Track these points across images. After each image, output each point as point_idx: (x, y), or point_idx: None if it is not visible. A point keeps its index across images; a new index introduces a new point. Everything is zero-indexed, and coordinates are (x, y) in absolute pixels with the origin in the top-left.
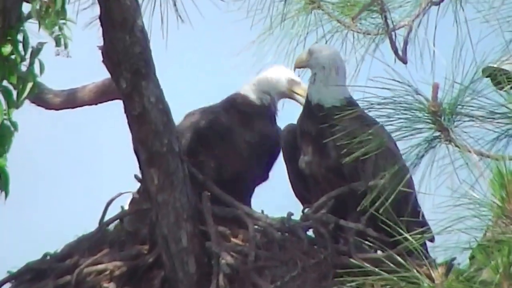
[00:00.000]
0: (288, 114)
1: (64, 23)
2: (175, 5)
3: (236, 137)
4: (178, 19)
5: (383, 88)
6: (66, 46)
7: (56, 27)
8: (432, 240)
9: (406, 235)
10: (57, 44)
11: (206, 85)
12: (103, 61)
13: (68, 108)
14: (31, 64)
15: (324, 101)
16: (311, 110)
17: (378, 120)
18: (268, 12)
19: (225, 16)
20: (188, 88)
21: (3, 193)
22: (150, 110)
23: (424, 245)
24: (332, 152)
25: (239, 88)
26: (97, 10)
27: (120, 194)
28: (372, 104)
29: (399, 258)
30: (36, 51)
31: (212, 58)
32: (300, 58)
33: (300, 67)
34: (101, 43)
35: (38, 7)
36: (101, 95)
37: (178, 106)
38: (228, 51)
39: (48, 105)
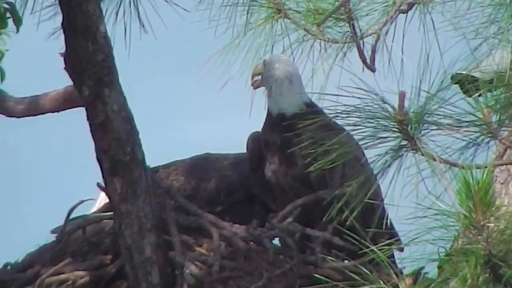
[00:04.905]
0: None
1: None
2: (138, 15)
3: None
4: (141, 29)
5: (349, 97)
6: None
7: None
8: (401, 249)
9: (372, 247)
10: None
11: (169, 94)
12: (65, 68)
13: (30, 115)
14: None
15: (284, 110)
16: (273, 121)
17: (344, 128)
18: (234, 22)
19: (189, 26)
20: (151, 97)
21: None
22: (113, 118)
23: (392, 256)
24: (298, 160)
25: None
26: (59, 20)
27: (82, 201)
28: (338, 113)
29: (365, 270)
30: None
31: (177, 68)
32: (256, 67)
33: (256, 75)
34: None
35: None
36: (63, 103)
37: (141, 114)
38: (193, 61)
39: (9, 113)
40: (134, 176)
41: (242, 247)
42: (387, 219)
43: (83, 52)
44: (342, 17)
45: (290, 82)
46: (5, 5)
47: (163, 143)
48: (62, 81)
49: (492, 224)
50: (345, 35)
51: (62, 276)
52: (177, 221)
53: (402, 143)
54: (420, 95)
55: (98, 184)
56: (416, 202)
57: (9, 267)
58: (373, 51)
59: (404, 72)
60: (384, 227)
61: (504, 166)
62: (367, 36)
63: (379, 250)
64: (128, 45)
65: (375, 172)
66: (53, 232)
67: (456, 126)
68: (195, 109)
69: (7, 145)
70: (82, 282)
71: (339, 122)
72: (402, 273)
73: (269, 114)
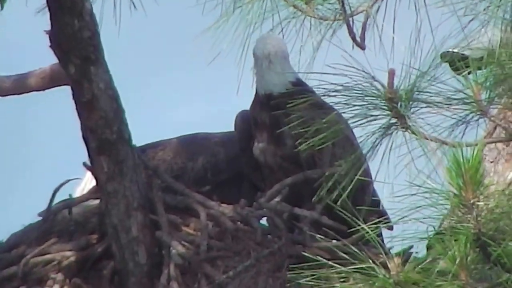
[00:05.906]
0: None
1: None
2: None
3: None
4: (130, 5)
5: (339, 75)
6: None
7: None
8: (391, 228)
9: (363, 225)
10: None
11: (159, 72)
12: (50, 46)
13: (15, 94)
14: None
15: (271, 90)
16: (261, 100)
17: (334, 107)
18: None
19: (179, 3)
20: (141, 74)
21: None
22: (100, 96)
23: (380, 235)
24: (287, 140)
25: None
26: None
27: (68, 180)
28: (327, 91)
29: (354, 249)
30: None
31: (167, 45)
32: None
33: None
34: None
35: None
36: (49, 81)
37: (129, 92)
38: (183, 38)
39: None
40: (121, 155)
41: (230, 227)
42: (376, 198)
43: (69, 29)
44: None
45: (269, 62)
46: None
47: (151, 123)
48: (48, 59)
49: (482, 203)
50: (335, 12)
51: (48, 256)
52: (164, 201)
53: (391, 121)
54: (410, 73)
55: (84, 164)
56: (406, 180)
57: None
58: (363, 28)
59: (394, 50)
60: (373, 205)
61: (494, 144)
62: (357, 14)
63: (368, 228)
64: (118, 22)
65: (364, 151)
66: (40, 215)
67: (446, 104)
68: (183, 88)
69: None
70: (68, 262)
71: (328, 100)
72: (391, 252)
73: (257, 93)
